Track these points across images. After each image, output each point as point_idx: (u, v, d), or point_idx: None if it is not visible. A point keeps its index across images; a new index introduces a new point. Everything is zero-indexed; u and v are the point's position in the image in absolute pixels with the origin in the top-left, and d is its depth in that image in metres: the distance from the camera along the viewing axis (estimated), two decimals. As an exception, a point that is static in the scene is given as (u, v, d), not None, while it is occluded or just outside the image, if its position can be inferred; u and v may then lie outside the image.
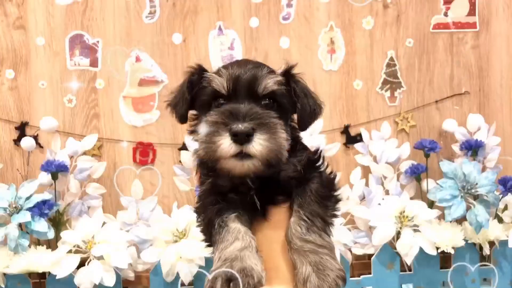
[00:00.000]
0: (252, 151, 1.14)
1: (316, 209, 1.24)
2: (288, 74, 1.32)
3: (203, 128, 1.19)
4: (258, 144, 1.15)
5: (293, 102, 1.32)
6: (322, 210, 1.25)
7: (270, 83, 1.25)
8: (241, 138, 1.13)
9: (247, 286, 1.10)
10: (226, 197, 1.27)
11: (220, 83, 1.24)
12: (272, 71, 1.29)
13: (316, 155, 1.35)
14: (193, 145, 1.45)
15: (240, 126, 1.13)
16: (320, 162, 1.34)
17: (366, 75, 2.64)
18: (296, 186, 1.27)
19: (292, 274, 1.21)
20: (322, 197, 1.27)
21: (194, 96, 1.32)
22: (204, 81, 1.29)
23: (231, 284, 1.10)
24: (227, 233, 1.20)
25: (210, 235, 1.25)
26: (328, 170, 1.38)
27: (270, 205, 1.30)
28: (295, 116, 1.36)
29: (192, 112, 1.37)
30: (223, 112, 1.18)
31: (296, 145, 1.33)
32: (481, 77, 2.67)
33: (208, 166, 1.29)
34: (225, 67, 1.29)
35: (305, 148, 1.37)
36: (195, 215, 1.35)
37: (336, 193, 1.34)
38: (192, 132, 1.35)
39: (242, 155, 1.15)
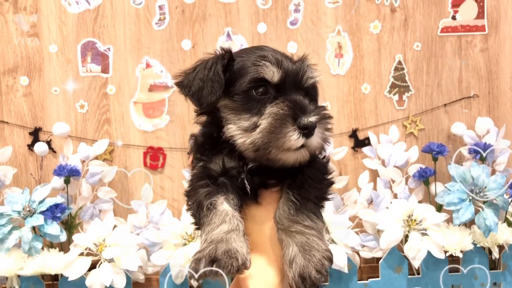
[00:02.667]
0: (313, 143, 1.17)
1: (306, 191, 1.24)
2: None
3: (267, 119, 1.18)
4: (318, 138, 1.18)
5: (316, 94, 1.36)
6: (312, 192, 1.25)
7: (313, 76, 1.28)
8: (309, 132, 1.15)
9: (231, 267, 1.09)
10: (217, 181, 1.27)
11: (272, 72, 1.22)
12: (309, 65, 1.30)
13: None
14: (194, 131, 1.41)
15: (311, 120, 1.15)
16: None
17: (374, 79, 2.65)
18: (287, 169, 1.25)
19: (281, 257, 1.21)
20: (313, 180, 1.27)
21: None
22: (237, 67, 1.27)
23: (214, 265, 1.09)
24: (215, 216, 1.19)
25: (199, 217, 1.25)
26: (321, 155, 1.37)
27: (261, 189, 1.30)
28: None
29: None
30: (289, 104, 1.18)
31: None
32: (490, 80, 2.66)
33: (202, 150, 1.30)
34: (264, 52, 1.26)
35: None
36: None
37: (328, 177, 1.33)
38: (200, 114, 1.34)
39: (299, 147, 1.16)
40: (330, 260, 1.15)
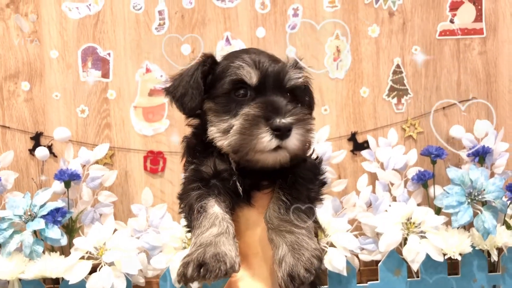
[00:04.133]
0: (290, 145, 1.16)
1: (297, 190, 1.24)
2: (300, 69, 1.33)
3: (239, 120, 1.18)
4: (296, 140, 1.16)
5: (304, 95, 1.35)
6: (303, 191, 1.25)
7: (296, 78, 1.27)
8: (283, 133, 1.14)
9: (218, 271, 1.09)
10: (209, 183, 1.27)
11: (250, 74, 1.22)
12: (293, 66, 1.30)
13: None
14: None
15: (284, 121, 1.14)
16: None
17: (373, 83, 2.66)
18: (279, 170, 1.25)
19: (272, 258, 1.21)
20: (304, 179, 1.27)
21: (206, 86, 1.29)
22: (219, 70, 1.28)
23: (202, 269, 1.09)
24: (205, 219, 1.19)
25: (190, 220, 1.25)
26: (314, 155, 1.38)
27: (254, 191, 1.30)
28: None
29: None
30: (262, 105, 1.17)
31: None
32: (489, 83, 2.67)
33: (194, 153, 1.30)
34: (245, 55, 1.27)
35: None
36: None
37: (320, 177, 1.34)
38: (190, 117, 1.35)
39: (276, 148, 1.15)
40: (319, 259, 1.15)
